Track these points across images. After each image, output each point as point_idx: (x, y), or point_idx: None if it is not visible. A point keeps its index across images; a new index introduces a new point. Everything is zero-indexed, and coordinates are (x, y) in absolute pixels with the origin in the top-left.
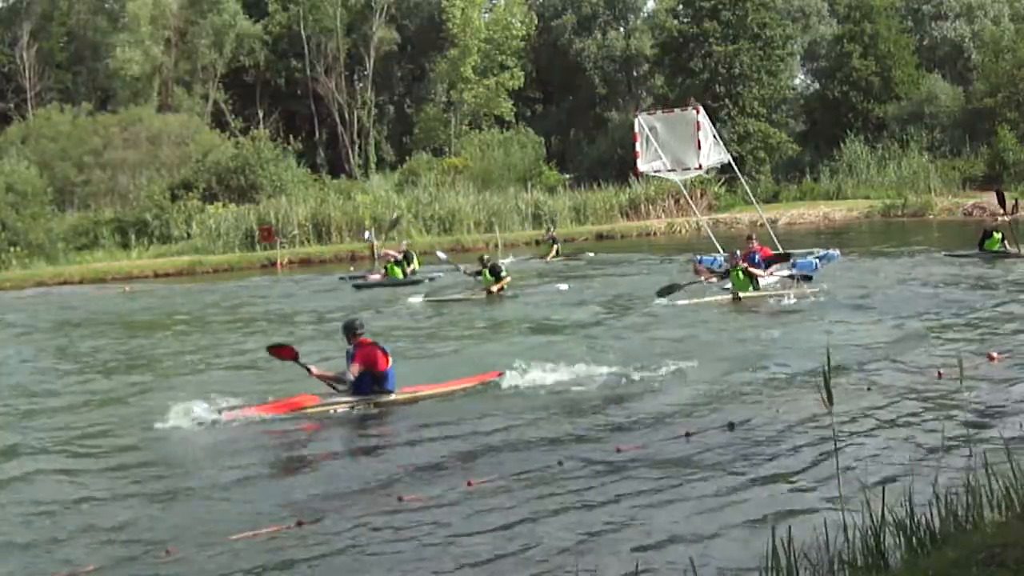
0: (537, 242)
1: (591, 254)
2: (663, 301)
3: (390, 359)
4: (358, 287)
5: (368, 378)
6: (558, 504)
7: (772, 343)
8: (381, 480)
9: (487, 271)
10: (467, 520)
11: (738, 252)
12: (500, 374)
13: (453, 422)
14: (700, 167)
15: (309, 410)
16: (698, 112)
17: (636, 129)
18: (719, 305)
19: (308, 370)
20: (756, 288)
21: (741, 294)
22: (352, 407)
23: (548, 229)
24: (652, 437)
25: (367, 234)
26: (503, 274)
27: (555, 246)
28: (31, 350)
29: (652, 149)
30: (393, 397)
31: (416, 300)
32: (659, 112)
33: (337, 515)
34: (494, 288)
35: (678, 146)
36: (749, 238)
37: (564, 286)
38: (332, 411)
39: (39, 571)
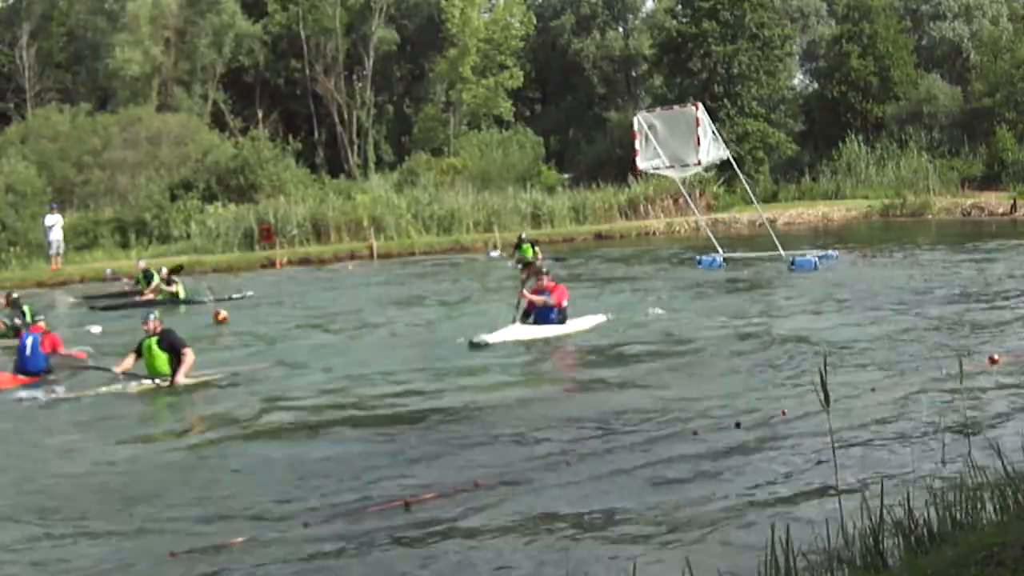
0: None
1: (250, 292)
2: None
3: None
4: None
5: None
6: (558, 504)
7: (775, 342)
8: (384, 482)
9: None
10: (472, 520)
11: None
12: None
13: (459, 425)
14: (699, 163)
15: None
16: (697, 109)
17: (635, 127)
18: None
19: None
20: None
21: (158, 381)
22: None
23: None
24: (659, 435)
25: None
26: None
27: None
28: None
29: (651, 147)
30: None
31: None
32: (658, 110)
33: (343, 518)
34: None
35: (677, 143)
36: (539, 273)
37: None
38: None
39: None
